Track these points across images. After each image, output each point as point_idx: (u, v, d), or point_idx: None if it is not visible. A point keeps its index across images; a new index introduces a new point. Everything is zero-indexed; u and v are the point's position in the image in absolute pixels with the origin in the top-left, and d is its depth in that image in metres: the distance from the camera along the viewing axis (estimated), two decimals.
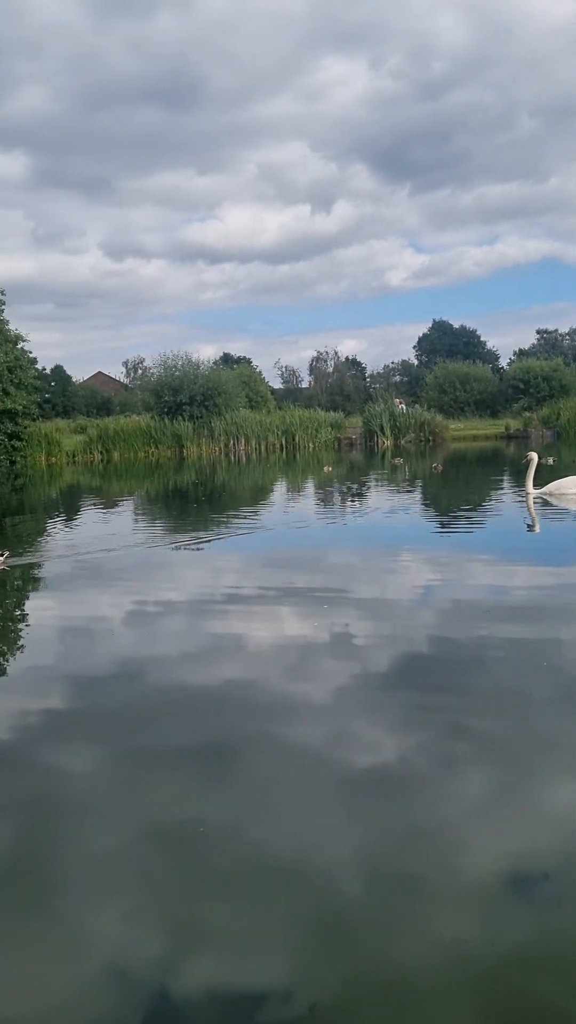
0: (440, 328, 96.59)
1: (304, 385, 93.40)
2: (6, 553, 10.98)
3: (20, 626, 9.16)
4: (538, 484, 18.83)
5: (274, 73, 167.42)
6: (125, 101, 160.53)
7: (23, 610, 9.92)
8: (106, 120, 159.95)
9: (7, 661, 7.77)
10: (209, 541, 14.80)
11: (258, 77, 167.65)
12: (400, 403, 58.84)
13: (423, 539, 14.35)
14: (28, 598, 10.58)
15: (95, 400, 77.18)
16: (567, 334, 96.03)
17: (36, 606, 10.03)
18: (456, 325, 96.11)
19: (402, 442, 50.68)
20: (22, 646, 8.29)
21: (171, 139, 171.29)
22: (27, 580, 11.53)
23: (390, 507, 19.11)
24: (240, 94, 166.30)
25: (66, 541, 15.24)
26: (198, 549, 13.85)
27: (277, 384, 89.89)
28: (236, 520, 18.01)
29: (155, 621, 9.05)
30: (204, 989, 3.18)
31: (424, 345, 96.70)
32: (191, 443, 50.71)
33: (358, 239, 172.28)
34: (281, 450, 51.29)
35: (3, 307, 45.33)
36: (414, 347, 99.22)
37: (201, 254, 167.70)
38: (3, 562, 10.71)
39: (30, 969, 3.35)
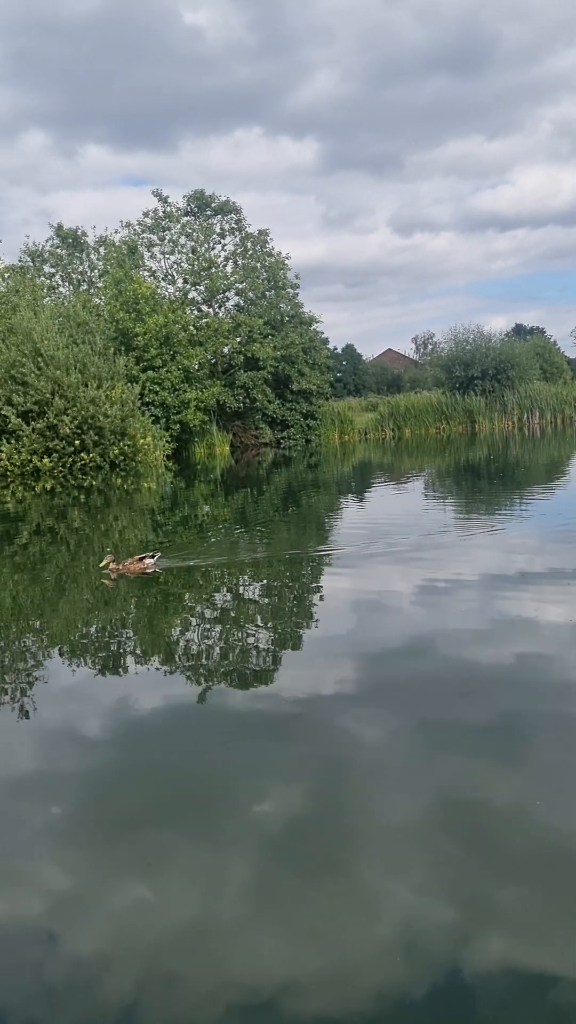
0: None
1: None
2: (157, 554, 11.38)
3: (315, 600, 9.57)
4: None
5: (570, 22, 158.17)
6: (413, 73, 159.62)
7: (318, 584, 10.34)
8: (394, 95, 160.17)
9: (303, 634, 8.16)
10: (503, 519, 14.52)
11: (552, 28, 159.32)
12: None
13: None
14: (322, 573, 11.01)
15: (385, 377, 78.19)
16: None
17: (330, 582, 10.41)
18: None
19: None
20: (317, 620, 8.65)
21: (460, 106, 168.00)
22: (318, 556, 12.02)
23: None
24: (533, 49, 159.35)
25: (357, 517, 15.65)
26: (491, 528, 13.64)
27: (573, 354, 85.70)
28: (530, 498, 17.48)
29: (445, 598, 9.07)
30: (497, 967, 3.19)
31: None
32: (483, 418, 49.88)
33: None
34: None
35: (298, 291, 47.23)
36: None
37: (491, 222, 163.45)
38: (154, 564, 11.10)
39: (323, 928, 3.53)
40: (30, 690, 6.84)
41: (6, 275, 41.38)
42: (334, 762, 5.07)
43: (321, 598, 9.54)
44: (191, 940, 3.47)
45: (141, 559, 10.99)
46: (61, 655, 7.87)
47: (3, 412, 30.40)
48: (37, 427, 30.34)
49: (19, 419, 30.27)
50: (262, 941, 3.44)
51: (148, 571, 10.80)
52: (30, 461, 30.17)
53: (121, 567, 10.86)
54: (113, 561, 10.98)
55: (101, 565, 11.04)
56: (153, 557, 11.07)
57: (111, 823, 4.53)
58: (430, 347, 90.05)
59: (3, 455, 30.43)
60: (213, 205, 46.71)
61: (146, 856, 4.13)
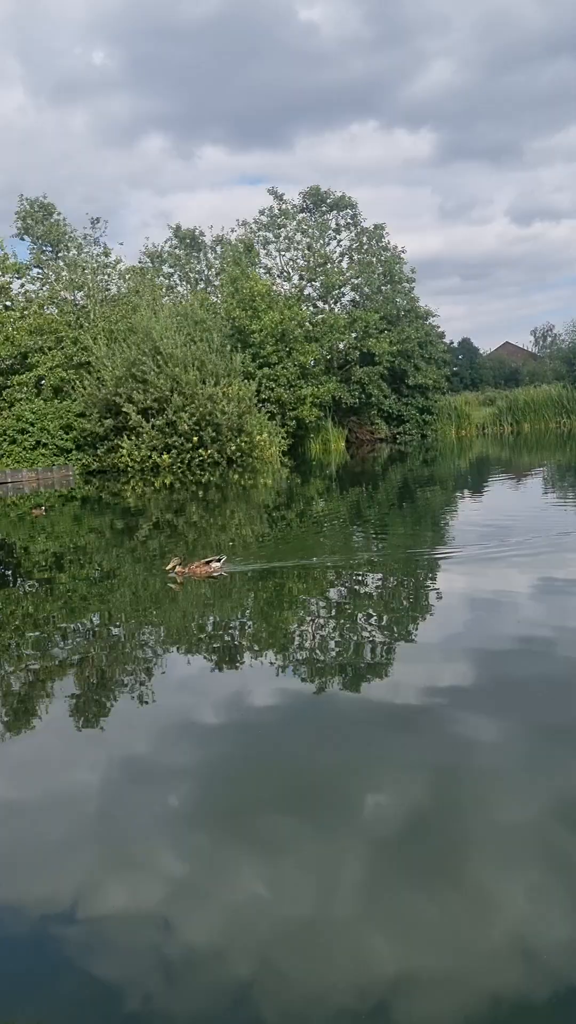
0: None
1: None
2: (223, 558, 11.25)
3: (431, 599, 9.48)
4: None
5: None
6: (532, 59, 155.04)
7: (434, 582, 10.24)
8: (513, 82, 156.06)
9: (419, 632, 8.10)
10: None
11: None
12: None
13: None
14: (438, 571, 10.90)
15: (502, 371, 76.60)
16: None
17: (446, 580, 10.29)
18: None
19: None
20: (433, 619, 8.57)
21: None
22: (434, 554, 11.89)
23: None
24: None
25: (474, 515, 15.41)
26: None
27: None
28: None
29: (567, 600, 8.84)
30: None
31: None
32: None
33: None
34: None
35: (414, 285, 46.81)
36: None
37: None
38: (220, 568, 10.96)
39: (436, 928, 3.50)
40: (148, 680, 7.03)
41: (127, 276, 42.56)
42: (451, 761, 5.03)
43: (438, 596, 9.45)
44: (303, 934, 3.49)
45: (207, 563, 10.92)
46: (179, 647, 8.06)
47: (124, 409, 31.31)
48: (156, 424, 31.12)
49: (139, 416, 31.12)
50: (374, 939, 3.44)
51: (214, 575, 10.74)
52: (150, 457, 30.98)
53: (187, 571, 10.79)
54: (179, 564, 10.91)
55: (167, 568, 10.98)
56: (219, 560, 10.99)
57: (226, 814, 4.61)
58: (550, 339, 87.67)
59: (124, 451, 31.35)
60: (328, 201, 46.74)
61: (260, 848, 4.19)
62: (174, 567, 10.89)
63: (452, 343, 64.88)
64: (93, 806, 4.84)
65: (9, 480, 33.09)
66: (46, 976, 3.35)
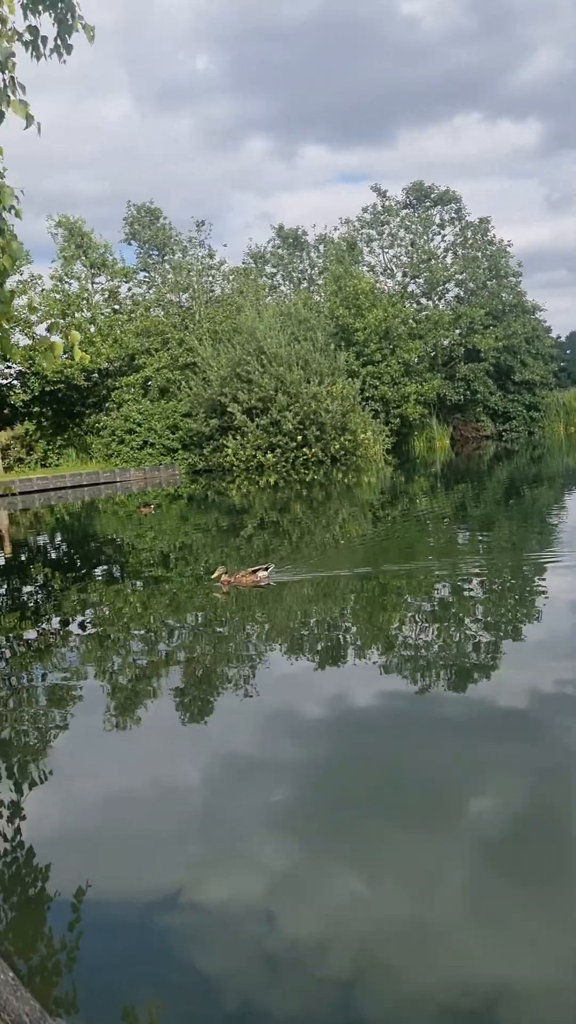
0: None
1: None
2: (271, 567, 10.99)
3: (539, 603, 9.28)
4: None
5: None
6: None
7: (542, 586, 10.01)
8: None
9: (525, 637, 7.94)
10: None
11: None
12: None
13: None
14: (546, 572, 10.65)
15: None
16: None
17: (554, 582, 10.06)
18: None
19: None
20: (541, 624, 8.39)
21: None
22: (541, 558, 11.64)
23: None
24: None
25: None
26: None
27: None
28: None
29: None
30: None
31: None
32: None
33: None
34: None
35: (520, 279, 45.85)
36: None
37: None
38: (267, 577, 10.71)
39: (539, 936, 3.44)
40: (252, 677, 7.11)
41: (231, 277, 43.12)
42: (558, 766, 4.93)
43: (546, 599, 9.24)
44: (404, 935, 3.49)
45: (254, 571, 10.75)
46: (282, 645, 8.12)
47: (229, 409, 31.72)
48: (261, 423, 31.42)
49: (244, 415, 31.47)
50: (475, 944, 3.41)
51: (261, 584, 10.56)
52: (254, 456, 31.30)
53: (233, 579, 10.64)
54: (225, 573, 10.73)
55: (213, 577, 10.82)
56: (267, 569, 10.81)
57: (328, 811, 4.63)
58: None
59: (229, 451, 31.77)
60: (432, 196, 46.23)
61: (362, 846, 4.20)
62: (219, 576, 10.69)
63: (560, 337, 63.18)
64: (198, 798, 4.94)
65: (118, 479, 33.99)
66: (154, 961, 3.43)
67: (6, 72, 4.66)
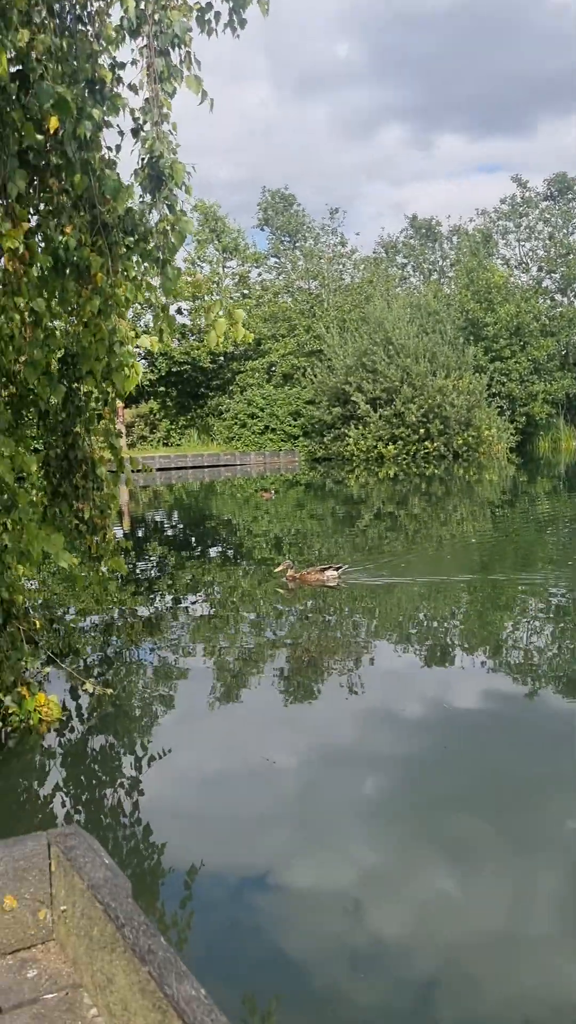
0: None
1: None
2: (343, 566, 10.50)
3: None
4: None
5: None
6: None
7: None
8: None
9: None
10: None
11: None
12: None
13: None
14: None
15: None
16: None
17: None
18: None
19: None
20: None
21: None
22: None
23: None
24: None
25: None
26: None
27: None
28: None
29: None
30: None
31: None
32: None
33: None
34: None
35: None
36: None
37: None
38: (336, 577, 10.21)
39: None
40: (356, 668, 7.00)
41: (361, 266, 42.86)
42: None
43: None
44: (492, 943, 3.38)
45: (323, 570, 10.34)
46: (388, 639, 7.98)
47: (353, 398, 31.58)
48: (384, 414, 31.16)
49: (367, 406, 31.27)
50: (566, 961, 3.23)
51: (328, 583, 10.15)
52: (375, 447, 31.09)
53: (299, 576, 10.27)
54: (291, 568, 10.36)
55: (277, 571, 10.50)
56: (338, 569, 10.42)
57: (423, 809, 4.54)
58: None
59: (350, 440, 31.65)
60: (575, 188, 44.61)
61: (454, 848, 4.04)
62: (284, 570, 10.36)
63: None
64: (292, 784, 4.91)
65: (238, 462, 34.35)
66: (238, 943, 3.45)
67: (182, 47, 4.64)
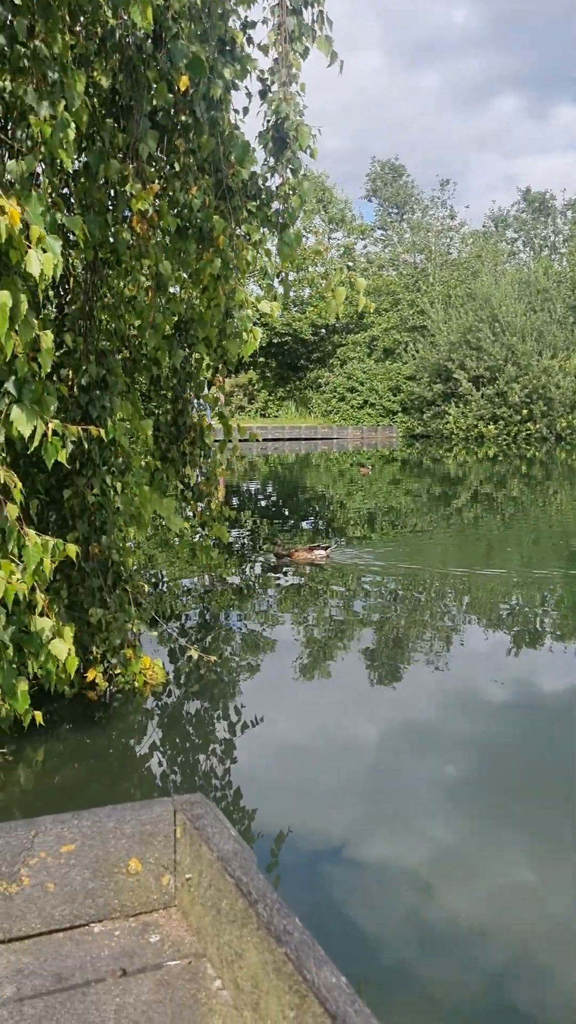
0: None
1: None
2: (331, 545, 10.23)
3: None
4: None
5: None
6: None
7: None
8: None
9: None
10: None
11: None
12: None
13: None
14: None
15: None
16: None
17: None
18: None
19: None
20: None
21: None
22: None
23: None
24: None
25: None
26: None
27: None
28: None
29: None
30: None
31: None
32: None
33: None
34: None
35: None
36: None
37: None
38: (325, 556, 9.91)
39: None
40: (445, 649, 6.88)
41: (469, 240, 41.91)
42: None
43: None
44: (569, 933, 3.25)
45: (311, 549, 10.23)
46: (479, 620, 7.82)
47: (455, 376, 31.04)
48: (486, 393, 30.56)
49: (470, 383, 30.69)
50: None
51: (317, 562, 10.03)
52: (475, 426, 30.55)
53: (288, 554, 10.15)
54: (277, 546, 10.28)
55: (269, 548, 10.44)
56: (326, 549, 10.28)
57: (505, 794, 4.41)
58: None
59: (450, 418, 31.16)
60: None
61: (535, 836, 3.93)
62: (274, 548, 10.33)
63: None
64: (373, 760, 4.86)
65: (335, 436, 34.24)
66: (309, 912, 3.36)
67: (315, 6, 4.53)
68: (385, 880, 3.69)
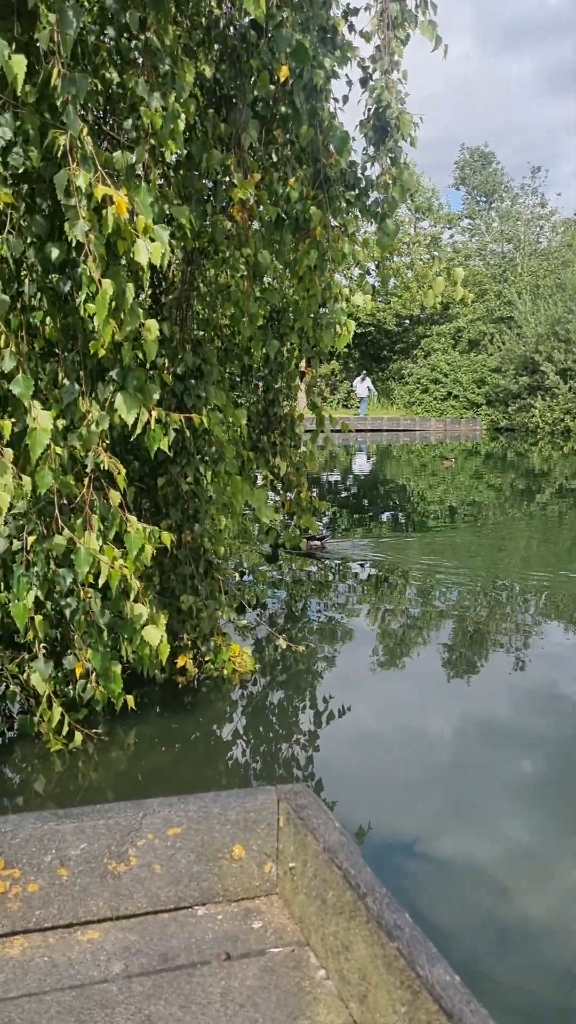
0: None
1: None
2: (326, 536, 9.87)
3: None
4: None
5: None
6: None
7: None
8: None
9: None
10: None
11: None
12: None
13: None
14: None
15: None
16: None
17: None
18: None
19: None
20: None
21: None
22: None
23: None
24: None
25: None
26: None
27: None
28: None
29: None
30: None
31: None
32: None
33: None
34: None
35: None
36: None
37: None
38: (322, 545, 9.56)
39: None
40: (524, 647, 6.76)
41: (560, 229, 40.93)
42: None
43: None
44: None
45: (308, 538, 9.99)
46: (560, 617, 7.67)
47: (542, 368, 30.43)
48: (574, 386, 29.84)
49: (557, 376, 30.05)
50: None
51: (314, 552, 9.81)
52: (562, 420, 29.90)
53: (319, 539, 9.94)
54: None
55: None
56: (321, 539, 9.97)
57: None
58: None
59: (536, 411, 30.57)
60: None
61: None
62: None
63: None
64: (447, 754, 4.80)
65: (417, 428, 33.93)
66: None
67: None
68: (463, 878, 3.66)
